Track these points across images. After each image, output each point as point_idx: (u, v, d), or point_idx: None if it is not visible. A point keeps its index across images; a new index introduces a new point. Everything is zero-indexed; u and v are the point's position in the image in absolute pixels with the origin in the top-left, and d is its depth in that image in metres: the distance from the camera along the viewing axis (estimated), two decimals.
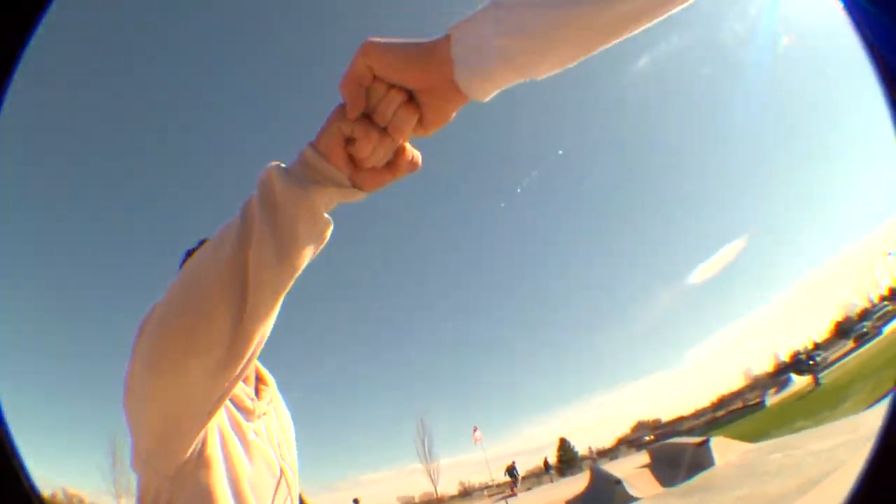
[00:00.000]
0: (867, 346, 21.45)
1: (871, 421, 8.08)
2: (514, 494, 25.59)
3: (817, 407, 14.80)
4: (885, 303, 29.05)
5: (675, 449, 13.74)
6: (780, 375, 30.49)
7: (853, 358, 20.80)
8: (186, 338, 0.57)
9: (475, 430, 29.17)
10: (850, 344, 25.68)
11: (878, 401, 11.36)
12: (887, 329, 22.48)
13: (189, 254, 0.94)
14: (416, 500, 30.12)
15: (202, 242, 0.90)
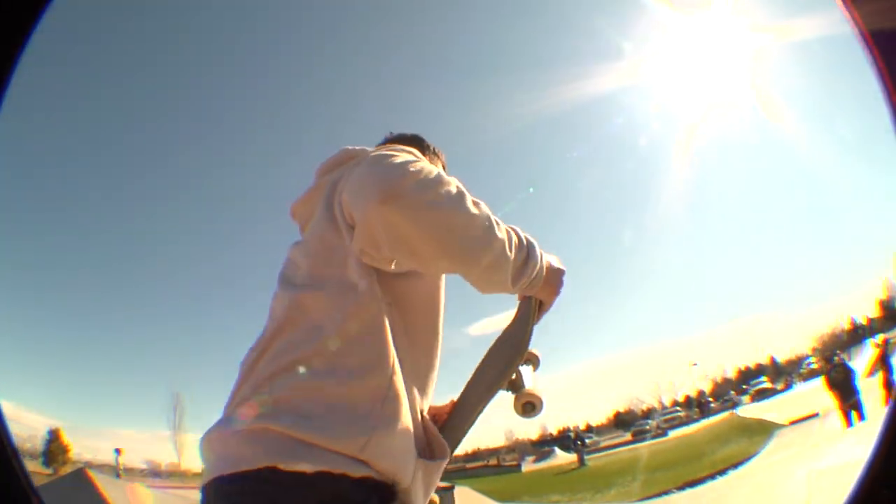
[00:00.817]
0: (647, 443, 21.54)
1: None
2: None
3: (577, 486, 14.03)
4: (678, 408, 30.75)
5: None
6: (543, 446, 30.71)
7: (628, 450, 20.68)
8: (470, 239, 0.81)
9: None
10: (628, 437, 26.34)
11: (647, 498, 10.02)
12: (673, 433, 22.90)
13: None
14: (162, 467, 27.52)
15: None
